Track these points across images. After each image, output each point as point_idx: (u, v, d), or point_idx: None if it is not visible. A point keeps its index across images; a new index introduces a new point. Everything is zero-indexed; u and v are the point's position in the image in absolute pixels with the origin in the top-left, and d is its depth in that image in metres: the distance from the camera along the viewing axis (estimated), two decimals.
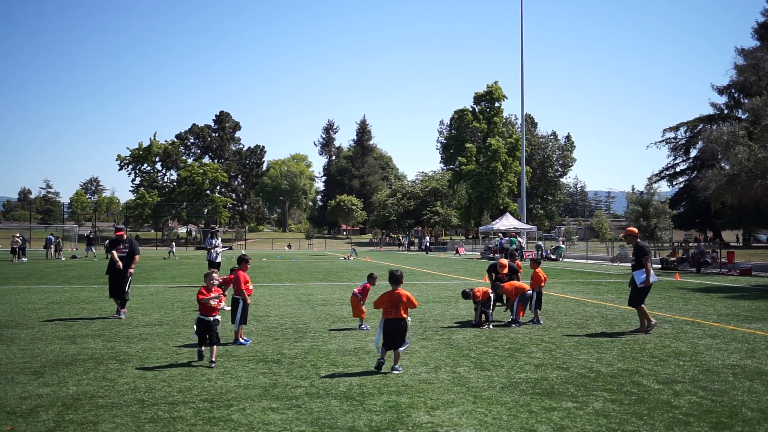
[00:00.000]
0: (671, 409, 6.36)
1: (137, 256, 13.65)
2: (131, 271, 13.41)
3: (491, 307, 12.18)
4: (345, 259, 46.49)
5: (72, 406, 6.38)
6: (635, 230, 12.12)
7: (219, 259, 21.26)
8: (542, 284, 12.84)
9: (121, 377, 7.65)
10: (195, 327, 8.65)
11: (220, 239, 21.85)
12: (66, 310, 14.21)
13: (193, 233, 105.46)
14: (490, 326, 11.88)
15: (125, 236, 13.70)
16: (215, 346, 8.54)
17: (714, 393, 6.99)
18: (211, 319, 8.58)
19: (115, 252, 13.35)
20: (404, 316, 8.13)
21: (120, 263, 13.20)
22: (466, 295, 12.46)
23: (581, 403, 6.54)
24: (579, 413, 6.20)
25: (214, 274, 8.94)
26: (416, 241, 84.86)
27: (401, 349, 8.11)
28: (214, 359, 8.37)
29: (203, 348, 8.59)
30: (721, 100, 66.49)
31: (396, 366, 8.07)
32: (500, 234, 52.78)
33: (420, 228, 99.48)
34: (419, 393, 6.94)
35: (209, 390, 7.03)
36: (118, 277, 13.20)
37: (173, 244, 56.41)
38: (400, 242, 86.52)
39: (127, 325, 11.94)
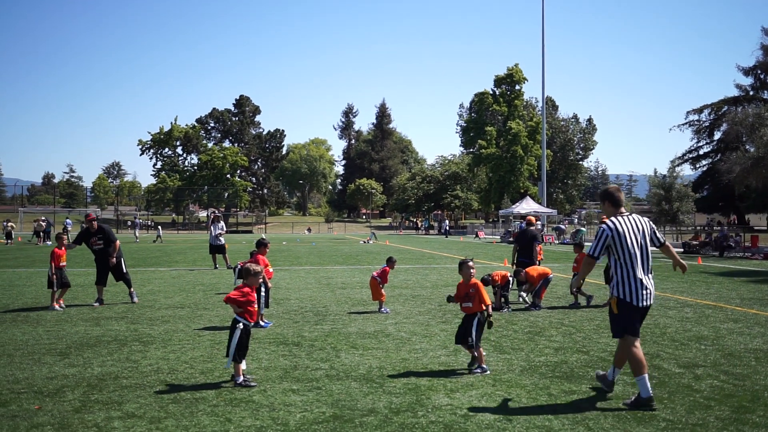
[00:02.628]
0: (692, 392, 6.33)
1: (117, 243, 13.01)
2: (113, 261, 12.77)
3: (509, 291, 12.17)
4: (365, 242, 46.60)
5: (97, 386, 6.50)
6: (532, 219, 14.80)
7: (221, 242, 21.64)
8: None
9: (144, 359, 7.77)
10: (236, 339, 6.63)
11: (222, 223, 22.19)
12: (90, 292, 14.41)
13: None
14: (510, 309, 11.87)
15: (96, 225, 12.93)
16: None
17: (736, 377, 6.93)
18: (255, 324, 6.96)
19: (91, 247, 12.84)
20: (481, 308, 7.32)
21: (113, 260, 12.75)
22: (485, 282, 12.32)
23: (601, 387, 6.52)
24: (599, 396, 6.18)
25: (261, 270, 7.39)
26: (435, 224, 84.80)
27: (475, 348, 7.21)
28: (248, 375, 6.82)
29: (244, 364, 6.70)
30: (747, 81, 65.29)
31: (482, 365, 7.18)
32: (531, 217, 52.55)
33: (440, 212, 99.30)
34: (439, 375, 6.97)
35: (231, 372, 7.10)
36: (109, 267, 12.79)
37: (159, 228, 54.66)
38: (418, 226, 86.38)
39: (150, 308, 12.10)
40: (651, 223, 6.30)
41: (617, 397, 6.15)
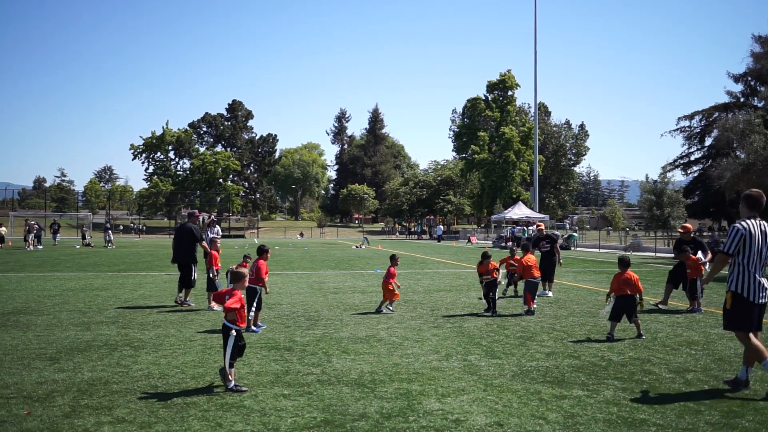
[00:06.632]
0: (683, 397, 6.35)
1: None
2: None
3: (496, 292, 12.16)
4: (357, 247, 46.58)
5: (87, 391, 6.47)
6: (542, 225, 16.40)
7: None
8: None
9: (135, 363, 7.74)
10: (231, 346, 6.63)
11: (218, 227, 22.08)
12: (81, 297, 14.36)
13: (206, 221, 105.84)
14: (496, 314, 11.87)
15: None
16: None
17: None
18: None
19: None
20: (635, 294, 9.59)
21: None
22: (485, 255, 12.19)
23: (592, 392, 6.55)
24: (590, 401, 6.20)
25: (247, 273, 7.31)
26: (428, 229, 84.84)
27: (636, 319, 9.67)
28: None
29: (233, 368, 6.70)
30: (737, 88, 65.60)
31: (641, 333, 9.69)
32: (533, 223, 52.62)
33: (432, 216, 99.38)
34: (430, 381, 6.97)
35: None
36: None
37: (109, 231, 46.53)
38: (410, 231, 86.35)
39: (141, 313, 12.06)
40: None
41: (609, 402, 6.17)
